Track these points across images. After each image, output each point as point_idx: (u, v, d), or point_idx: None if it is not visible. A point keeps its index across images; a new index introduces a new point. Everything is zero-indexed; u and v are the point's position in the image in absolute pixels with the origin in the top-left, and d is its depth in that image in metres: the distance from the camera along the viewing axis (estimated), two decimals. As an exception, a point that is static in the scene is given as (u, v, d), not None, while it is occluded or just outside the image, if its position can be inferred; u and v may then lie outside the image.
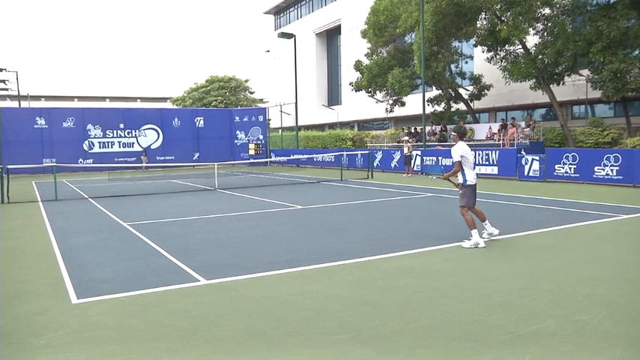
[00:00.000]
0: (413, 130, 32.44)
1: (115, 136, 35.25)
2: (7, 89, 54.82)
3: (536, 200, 13.78)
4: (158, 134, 36.52)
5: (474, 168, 8.22)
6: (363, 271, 7.02)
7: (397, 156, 26.65)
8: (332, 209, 13.24)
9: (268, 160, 36.35)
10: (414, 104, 36.96)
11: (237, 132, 39.20)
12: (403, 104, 34.00)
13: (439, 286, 6.22)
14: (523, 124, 27.00)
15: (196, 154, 37.25)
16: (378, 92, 34.12)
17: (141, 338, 4.89)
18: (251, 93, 64.76)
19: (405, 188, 18.10)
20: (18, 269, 7.65)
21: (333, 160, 30.87)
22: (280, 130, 45.53)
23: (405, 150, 24.76)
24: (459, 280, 6.45)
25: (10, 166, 17.91)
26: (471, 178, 8.06)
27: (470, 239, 8.13)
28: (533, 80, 25.90)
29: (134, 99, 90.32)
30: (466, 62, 35.47)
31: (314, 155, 32.42)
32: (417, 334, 4.80)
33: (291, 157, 33.12)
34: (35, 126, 33.18)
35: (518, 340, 4.62)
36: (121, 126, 35.46)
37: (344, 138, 40.72)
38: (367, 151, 27.16)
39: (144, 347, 4.69)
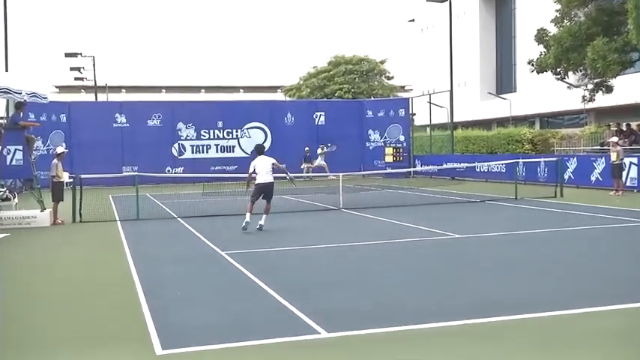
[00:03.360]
0: (625, 128, 30.70)
1: (212, 137, 37.11)
2: (82, 79, 59.38)
3: None
4: (265, 135, 37.86)
5: (264, 174, 15.16)
6: (548, 330, 6.79)
7: (601, 165, 25.36)
8: (502, 240, 12.99)
9: (412, 169, 36.07)
10: (626, 89, 35.02)
11: (370, 131, 39.54)
12: (610, 90, 32.47)
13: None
14: None
15: (315, 162, 38.10)
16: (570, 73, 32.75)
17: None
18: (389, 79, 65.19)
19: (613, 212, 17.30)
20: (92, 307, 8.25)
21: (503, 171, 30.04)
22: (429, 129, 45.28)
23: (613, 157, 23.53)
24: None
25: (83, 176, 19.43)
26: (259, 179, 15.17)
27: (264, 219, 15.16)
28: None
29: (236, 89, 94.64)
30: None
31: (476, 164, 31.79)
32: None
33: (444, 167, 32.63)
34: (114, 125, 35.80)
35: None
36: (220, 124, 37.28)
37: (520, 139, 39.48)
38: (554, 158, 26.14)
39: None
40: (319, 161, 36.04)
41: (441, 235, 13.62)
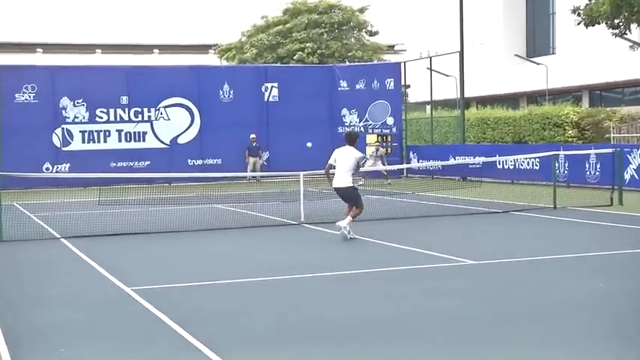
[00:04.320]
0: None
1: (113, 119, 36.64)
2: None
3: None
4: (192, 117, 37.59)
5: (339, 173, 16.83)
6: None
7: (675, 159, 25.62)
8: (535, 268, 13.06)
9: (405, 166, 36.09)
10: None
11: (344, 111, 39.45)
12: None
13: None
14: None
15: (265, 155, 37.96)
16: (634, 26, 33.16)
17: None
18: (371, 35, 65.18)
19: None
20: None
21: (536, 168, 30.23)
22: (429, 108, 45.44)
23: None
24: None
25: None
26: (334, 179, 16.98)
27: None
28: None
29: (148, 49, 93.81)
30: None
31: (497, 157, 31.88)
32: None
33: (451, 162, 32.66)
34: (-35, 101, 35.39)
35: None
36: (124, 101, 36.90)
37: (560, 122, 39.79)
38: (610, 149, 26.32)
39: None
40: (374, 163, 35.00)
41: (448, 262, 13.63)
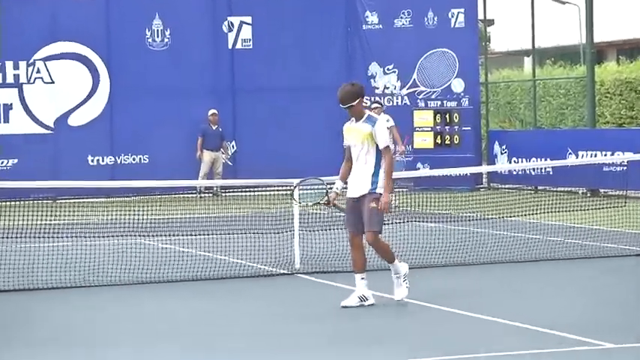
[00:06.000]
0: None
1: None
2: None
3: None
4: (95, 77, 37.81)
5: None
6: None
7: None
8: None
9: (484, 168, 36.47)
10: None
11: (375, 68, 39.81)
12: None
13: None
14: None
15: (231, 147, 38.00)
16: None
17: None
18: None
19: None
20: None
21: None
22: (529, 63, 45.73)
23: None
24: None
25: None
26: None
27: (400, 281, 16.85)
28: None
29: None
30: None
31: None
32: None
33: (570, 161, 33.00)
34: None
35: None
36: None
37: None
38: None
39: None
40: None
41: (568, 344, 13.43)
